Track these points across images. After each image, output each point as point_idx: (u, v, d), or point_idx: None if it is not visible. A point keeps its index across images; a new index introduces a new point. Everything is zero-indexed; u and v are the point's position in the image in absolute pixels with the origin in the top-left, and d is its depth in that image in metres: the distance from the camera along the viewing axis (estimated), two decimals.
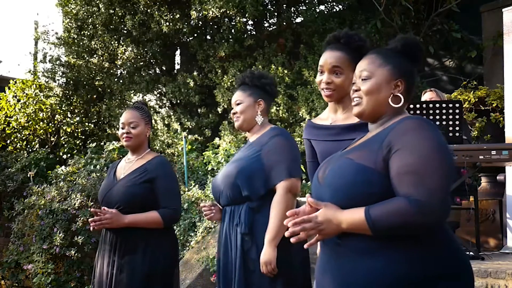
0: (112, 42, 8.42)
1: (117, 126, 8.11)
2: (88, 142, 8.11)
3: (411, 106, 4.13)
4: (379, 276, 1.62)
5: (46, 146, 8.36)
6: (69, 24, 8.55)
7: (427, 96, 4.73)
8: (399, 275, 1.61)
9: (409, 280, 1.61)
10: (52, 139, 8.54)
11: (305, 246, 1.71)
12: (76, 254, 5.58)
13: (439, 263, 1.64)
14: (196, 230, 5.29)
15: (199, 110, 8.02)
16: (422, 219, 1.57)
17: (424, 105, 4.13)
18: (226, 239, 2.71)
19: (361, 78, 1.83)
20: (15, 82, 8.58)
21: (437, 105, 4.12)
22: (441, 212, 1.60)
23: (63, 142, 8.47)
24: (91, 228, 2.92)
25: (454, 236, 1.76)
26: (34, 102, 8.42)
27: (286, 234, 1.69)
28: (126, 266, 2.86)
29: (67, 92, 8.58)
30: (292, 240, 1.69)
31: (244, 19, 7.26)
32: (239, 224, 2.64)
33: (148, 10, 7.89)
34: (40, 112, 8.46)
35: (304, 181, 5.16)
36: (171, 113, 8.21)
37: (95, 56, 8.57)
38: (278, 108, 6.89)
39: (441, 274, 1.63)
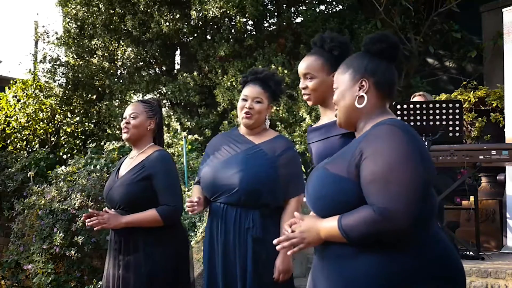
0: (112, 42, 8.41)
1: (117, 126, 8.11)
2: (88, 142, 8.10)
3: (411, 106, 4.13)
4: (361, 279, 1.62)
5: (46, 146, 8.35)
6: (69, 24, 8.53)
7: (416, 100, 4.73)
8: (381, 278, 1.60)
9: (392, 283, 1.60)
10: (52, 139, 8.53)
11: (288, 253, 1.76)
12: (76, 254, 5.57)
13: (425, 265, 1.62)
14: (196, 230, 5.29)
15: (199, 110, 8.01)
16: (387, 227, 1.56)
17: (424, 105, 4.13)
18: (227, 239, 2.70)
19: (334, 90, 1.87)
20: (15, 82, 8.57)
21: (437, 105, 4.12)
22: (408, 219, 1.56)
23: (63, 142, 8.46)
24: (87, 225, 2.84)
25: (445, 237, 1.74)
26: (34, 102, 8.41)
27: (277, 248, 1.76)
28: (131, 266, 2.83)
29: (67, 92, 8.56)
30: (278, 247, 1.77)
31: (244, 19, 7.25)
32: (251, 228, 2.64)
33: (148, 10, 7.89)
34: (40, 112, 8.45)
35: None
36: (171, 113, 8.20)
37: (95, 56, 8.56)
38: (278, 108, 6.89)
39: (431, 275, 1.62)
